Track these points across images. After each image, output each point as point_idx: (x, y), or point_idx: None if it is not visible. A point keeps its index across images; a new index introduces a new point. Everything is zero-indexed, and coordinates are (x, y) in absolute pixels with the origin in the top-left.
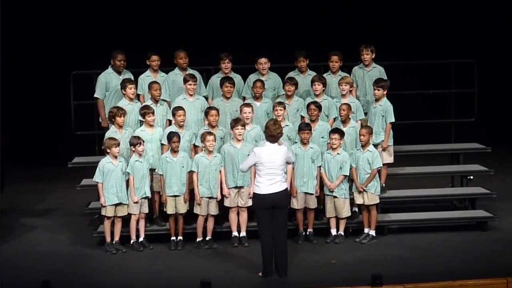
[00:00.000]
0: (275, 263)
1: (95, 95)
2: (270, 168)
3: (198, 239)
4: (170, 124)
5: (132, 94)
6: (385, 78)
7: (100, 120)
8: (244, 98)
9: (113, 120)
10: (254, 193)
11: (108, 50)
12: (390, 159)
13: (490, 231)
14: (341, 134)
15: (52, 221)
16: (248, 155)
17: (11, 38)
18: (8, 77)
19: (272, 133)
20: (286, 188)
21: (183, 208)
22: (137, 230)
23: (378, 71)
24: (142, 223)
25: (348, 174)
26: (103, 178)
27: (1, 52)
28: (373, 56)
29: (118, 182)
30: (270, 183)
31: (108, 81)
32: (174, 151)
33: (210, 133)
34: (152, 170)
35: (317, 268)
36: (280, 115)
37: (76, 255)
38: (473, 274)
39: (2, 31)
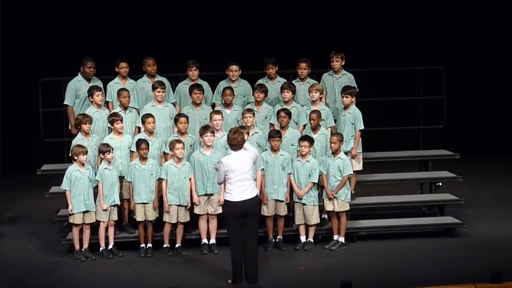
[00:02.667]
0: (245, 270)
1: (64, 102)
2: (240, 174)
3: (164, 245)
4: (139, 131)
5: (100, 101)
6: (354, 85)
7: (70, 127)
8: (213, 105)
9: (79, 127)
10: (225, 200)
11: (77, 57)
12: (359, 166)
13: (459, 237)
14: (311, 141)
15: (21, 229)
16: (218, 164)
17: None
18: None
19: (233, 142)
20: (257, 195)
21: (152, 216)
22: (106, 238)
23: (347, 78)
24: (111, 231)
25: (316, 181)
26: (71, 185)
27: None
28: (343, 63)
29: (85, 189)
30: (241, 190)
31: (77, 88)
32: (143, 158)
33: (179, 141)
34: (121, 178)
35: (287, 275)
36: (249, 122)
37: (45, 263)
38: (442, 280)
39: None
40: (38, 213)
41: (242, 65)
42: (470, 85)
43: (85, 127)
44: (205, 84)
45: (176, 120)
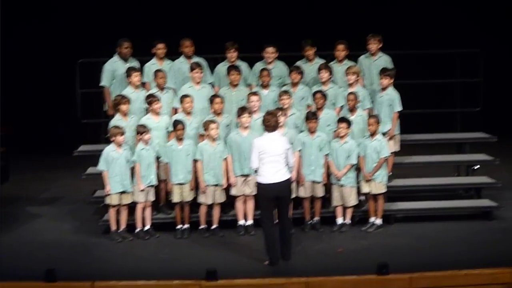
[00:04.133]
0: (281, 251)
1: (101, 84)
2: (272, 156)
3: (200, 226)
4: (176, 112)
5: (137, 81)
6: (392, 67)
7: (107, 108)
8: (250, 86)
9: (117, 108)
10: (257, 182)
11: (115, 38)
12: (395, 147)
13: (495, 220)
14: (348, 123)
15: (58, 210)
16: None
17: (17, 26)
18: (15, 65)
19: (266, 123)
20: (290, 178)
21: (189, 196)
22: (143, 219)
23: (384, 60)
24: (148, 212)
25: (355, 163)
26: (108, 166)
27: (7, 40)
28: (380, 46)
29: (123, 170)
30: (274, 172)
31: (114, 69)
32: (179, 139)
33: (213, 121)
34: (158, 158)
35: (323, 257)
36: (285, 104)
37: (81, 244)
38: (478, 264)
39: (7, 18)
40: (75, 194)
41: (279, 46)
42: (508, 68)
43: (123, 107)
44: (243, 65)
45: (211, 101)
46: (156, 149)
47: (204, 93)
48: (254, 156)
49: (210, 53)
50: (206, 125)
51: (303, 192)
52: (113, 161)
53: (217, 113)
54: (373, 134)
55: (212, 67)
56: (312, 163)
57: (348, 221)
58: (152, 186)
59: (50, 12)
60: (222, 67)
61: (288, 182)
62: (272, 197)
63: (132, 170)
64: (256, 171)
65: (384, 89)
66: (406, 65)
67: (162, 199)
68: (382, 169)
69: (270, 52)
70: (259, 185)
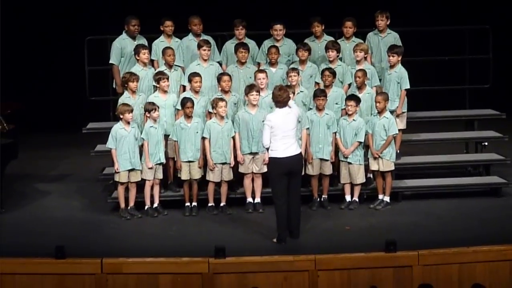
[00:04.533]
0: (289, 226)
1: (110, 61)
2: (285, 131)
3: (209, 204)
4: (184, 90)
5: (146, 59)
6: (400, 44)
7: (115, 86)
8: (258, 64)
9: (126, 85)
10: (270, 157)
11: (122, 15)
12: (403, 125)
13: (504, 197)
14: (357, 100)
15: (66, 187)
16: (263, 124)
17: (24, 3)
18: (22, 43)
19: (279, 99)
20: (301, 153)
21: (197, 174)
22: (152, 196)
23: (393, 37)
24: (156, 189)
25: (363, 140)
26: (116, 144)
27: (14, 17)
28: (388, 22)
29: (131, 148)
30: (286, 147)
31: (123, 46)
32: (188, 116)
33: (221, 99)
34: (166, 136)
35: (332, 234)
36: (294, 81)
37: (90, 221)
38: (487, 240)
39: None
40: (84, 171)
41: (287, 24)
42: None
43: (132, 85)
44: (251, 43)
45: (219, 79)
46: (165, 127)
47: (212, 71)
48: (266, 133)
49: (218, 31)
50: (214, 102)
51: (311, 170)
52: (121, 139)
53: (225, 91)
54: (381, 112)
55: (220, 46)
56: (320, 141)
57: (356, 198)
58: (160, 164)
59: None
60: (230, 45)
61: (300, 156)
62: (285, 171)
63: (141, 148)
64: (267, 148)
65: (392, 66)
66: (414, 42)
67: (170, 176)
68: (390, 146)
69: (278, 29)
70: (272, 160)
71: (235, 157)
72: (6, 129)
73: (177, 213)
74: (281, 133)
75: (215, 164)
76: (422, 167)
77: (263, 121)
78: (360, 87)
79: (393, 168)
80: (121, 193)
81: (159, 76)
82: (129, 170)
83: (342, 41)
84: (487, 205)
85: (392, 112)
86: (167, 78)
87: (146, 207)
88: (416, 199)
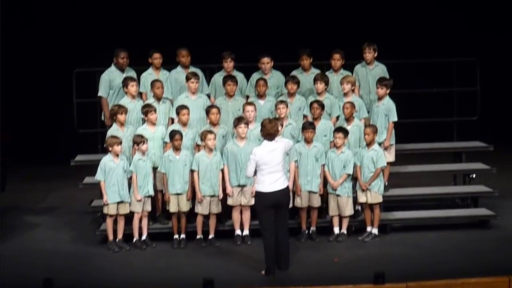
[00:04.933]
0: (278, 259)
1: (99, 94)
2: (272, 166)
3: (197, 237)
4: (172, 122)
5: (134, 91)
6: (388, 76)
7: (104, 119)
8: (247, 97)
9: (114, 118)
10: (256, 191)
11: (111, 48)
12: (391, 157)
13: (492, 229)
14: (345, 132)
15: (55, 219)
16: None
17: (13, 35)
18: (11, 74)
19: (269, 132)
20: (288, 186)
21: (186, 206)
22: (140, 228)
23: (380, 69)
24: (145, 221)
25: (351, 173)
26: (105, 176)
27: (3, 49)
28: (376, 55)
29: (120, 180)
30: (272, 181)
31: (111, 79)
32: (177, 149)
33: (210, 132)
34: (155, 169)
35: (320, 266)
36: (282, 113)
37: (79, 253)
38: (475, 273)
39: (3, 28)
40: (72, 203)
41: (276, 56)
42: (504, 76)
43: (120, 117)
44: (240, 76)
45: (207, 111)
46: (153, 160)
47: (200, 103)
48: (251, 166)
49: (207, 63)
50: (203, 135)
51: (300, 202)
52: (110, 171)
53: (214, 124)
54: (369, 144)
55: (208, 77)
56: (309, 173)
57: (344, 231)
58: (149, 196)
59: (47, 21)
60: (218, 77)
61: (287, 190)
62: (271, 205)
63: (129, 180)
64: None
65: (380, 99)
66: (403, 74)
67: (159, 209)
68: (378, 179)
69: (265, 62)
70: (258, 194)
71: (224, 189)
72: None
73: (166, 246)
74: (268, 168)
75: (203, 196)
76: (411, 199)
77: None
78: (348, 119)
79: (381, 200)
80: (109, 226)
81: (147, 109)
82: (118, 203)
83: (330, 74)
84: (475, 237)
85: (380, 144)
86: (155, 111)
87: (134, 239)
88: (405, 231)
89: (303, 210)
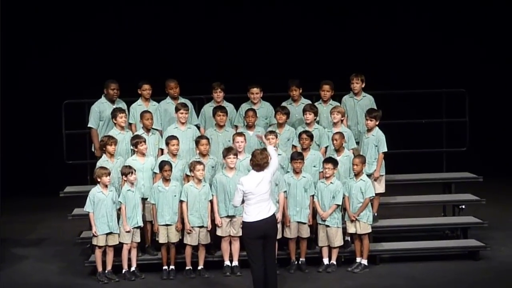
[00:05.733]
0: None
1: (88, 125)
2: (259, 195)
3: (186, 268)
4: (162, 153)
5: (123, 123)
6: (375, 107)
7: (94, 150)
8: (236, 127)
9: (104, 149)
10: (243, 221)
11: (100, 79)
12: (381, 189)
13: (482, 260)
14: (335, 163)
15: (43, 251)
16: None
17: (3, 66)
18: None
19: (259, 162)
20: (274, 214)
21: (175, 237)
22: (129, 260)
23: (368, 100)
24: (134, 253)
25: (340, 203)
26: (94, 207)
27: None
28: (363, 85)
29: (109, 211)
30: (259, 211)
31: (101, 110)
32: (166, 180)
33: (199, 162)
34: (143, 199)
35: None
36: (272, 144)
37: (68, 285)
38: None
39: None
40: (61, 235)
41: (265, 87)
42: (493, 107)
43: (110, 148)
44: (229, 107)
45: (197, 142)
46: (142, 190)
47: (190, 134)
48: (237, 195)
49: (196, 94)
50: (192, 166)
51: (289, 233)
52: (99, 202)
53: (203, 155)
54: (357, 175)
55: (197, 108)
56: (298, 204)
57: (333, 261)
58: (138, 227)
59: (36, 53)
60: (208, 108)
61: (273, 218)
62: (259, 235)
63: (118, 211)
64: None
65: (370, 130)
66: (391, 104)
67: (148, 240)
68: (367, 209)
69: (254, 92)
70: (245, 224)
71: (213, 220)
72: None
73: (155, 277)
74: (254, 198)
75: (192, 227)
76: (400, 230)
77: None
78: (338, 150)
79: (370, 230)
80: (98, 257)
81: (137, 140)
82: (107, 234)
83: (319, 104)
84: (465, 268)
85: (369, 175)
86: (144, 142)
87: (123, 270)
88: (394, 262)
89: (292, 241)
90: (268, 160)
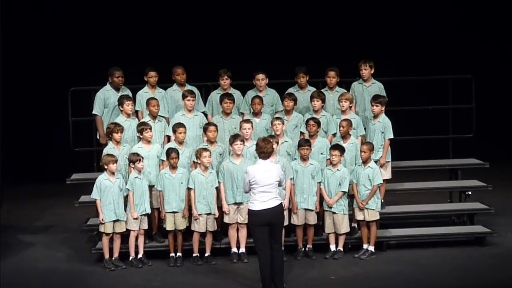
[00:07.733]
0: (272, 276)
1: (93, 112)
2: (264, 186)
3: (193, 255)
4: (168, 140)
5: (130, 110)
6: (384, 94)
7: (99, 137)
8: (242, 114)
9: (110, 136)
10: (248, 209)
11: (106, 66)
12: (387, 175)
13: (489, 246)
14: (342, 150)
15: (50, 238)
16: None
17: (9, 53)
18: (6, 93)
19: (263, 150)
20: (280, 204)
21: (182, 224)
22: (136, 247)
23: (377, 86)
24: (141, 240)
25: (347, 190)
26: (101, 194)
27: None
28: (372, 72)
29: (116, 198)
30: (263, 200)
31: (106, 97)
32: (173, 167)
33: (205, 149)
34: (151, 187)
35: (316, 284)
36: (278, 130)
37: (75, 272)
38: None
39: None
40: (68, 222)
41: (271, 74)
42: (500, 93)
43: (116, 136)
44: (236, 93)
45: (205, 129)
46: (149, 178)
47: (196, 121)
48: (246, 181)
49: (203, 81)
50: (198, 153)
51: (296, 219)
52: (106, 189)
53: (211, 142)
54: (365, 162)
55: (204, 95)
56: (305, 191)
57: (340, 248)
58: (145, 214)
59: (42, 40)
60: (215, 95)
61: (280, 207)
62: (264, 223)
63: (126, 198)
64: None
65: (376, 116)
66: (398, 91)
67: (155, 227)
68: (375, 196)
69: (260, 78)
70: (250, 212)
71: (220, 207)
72: None
73: (162, 264)
74: (258, 187)
75: (199, 214)
76: (407, 216)
77: (246, 172)
78: (345, 137)
79: (378, 217)
80: (105, 244)
81: (142, 127)
82: (114, 221)
83: (325, 91)
84: (471, 254)
85: (376, 161)
86: (150, 129)
87: (130, 257)
88: (401, 249)
89: (299, 227)
90: (273, 147)
